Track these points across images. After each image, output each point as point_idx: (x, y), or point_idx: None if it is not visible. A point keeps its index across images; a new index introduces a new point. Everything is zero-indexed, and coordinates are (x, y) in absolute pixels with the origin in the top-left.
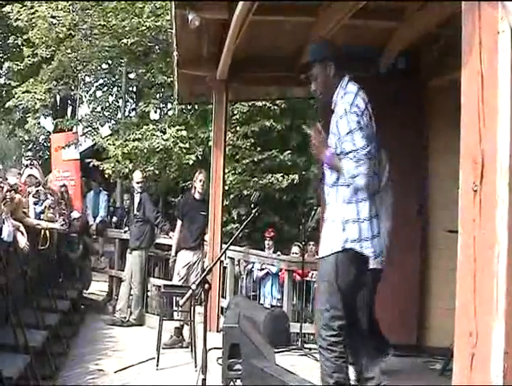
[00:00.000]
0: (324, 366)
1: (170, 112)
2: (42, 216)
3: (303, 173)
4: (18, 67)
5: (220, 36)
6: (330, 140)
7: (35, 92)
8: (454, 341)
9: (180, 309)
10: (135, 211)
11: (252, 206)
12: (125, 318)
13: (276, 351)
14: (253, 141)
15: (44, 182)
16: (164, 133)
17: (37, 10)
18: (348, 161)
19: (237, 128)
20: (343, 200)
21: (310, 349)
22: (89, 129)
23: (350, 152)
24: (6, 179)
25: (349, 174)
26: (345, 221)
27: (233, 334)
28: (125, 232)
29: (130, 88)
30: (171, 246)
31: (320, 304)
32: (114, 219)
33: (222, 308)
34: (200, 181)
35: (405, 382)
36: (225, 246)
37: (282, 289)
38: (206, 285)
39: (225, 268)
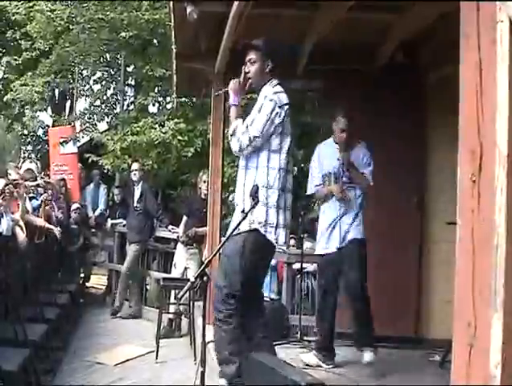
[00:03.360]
0: (219, 337)
1: (168, 106)
2: (40, 210)
3: (302, 165)
4: (17, 61)
5: (219, 29)
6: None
7: (33, 86)
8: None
9: (179, 302)
10: (135, 203)
11: (251, 198)
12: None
13: (275, 343)
14: None
15: (43, 176)
16: (163, 126)
17: (35, 4)
18: (242, 127)
19: None
20: (253, 183)
21: (309, 341)
22: (87, 124)
23: (247, 125)
24: (8, 174)
25: (234, 134)
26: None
27: None
28: (123, 225)
29: (129, 82)
30: (170, 239)
31: (219, 279)
32: (112, 211)
33: None
34: (205, 182)
35: (404, 374)
36: (223, 239)
37: (280, 282)
38: (205, 278)
39: None
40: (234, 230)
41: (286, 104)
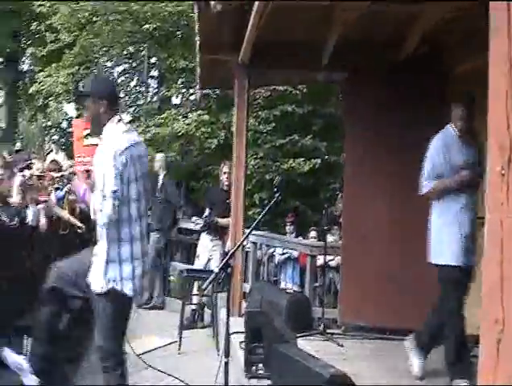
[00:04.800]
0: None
1: (192, 97)
2: (64, 201)
3: (325, 157)
4: (41, 53)
5: (242, 20)
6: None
7: (58, 77)
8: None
9: (203, 293)
10: (157, 193)
11: (275, 190)
12: (147, 301)
13: (298, 335)
14: (274, 125)
15: (68, 167)
16: (186, 117)
17: None
18: (97, 197)
19: (259, 112)
20: (108, 240)
21: (332, 334)
22: None
23: (101, 189)
24: (31, 164)
25: (97, 209)
26: (107, 261)
27: (256, 318)
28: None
29: (152, 74)
30: (193, 231)
31: (97, 339)
32: None
33: (244, 293)
34: (225, 173)
35: (430, 368)
36: (247, 231)
37: (303, 274)
38: (229, 269)
39: (247, 252)
40: (261, 219)
41: (126, 149)
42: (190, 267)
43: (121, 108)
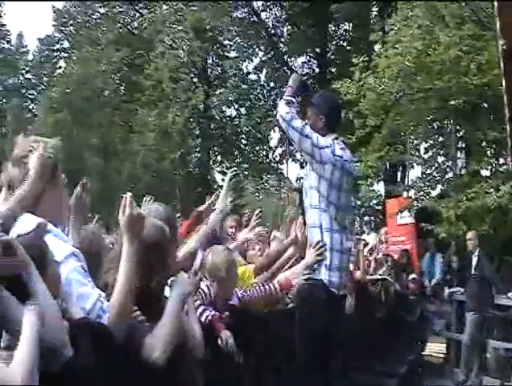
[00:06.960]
0: None
1: (502, 169)
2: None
3: None
4: (350, 140)
5: None
6: None
7: (367, 161)
8: None
9: None
10: (473, 271)
11: None
12: (464, 381)
13: None
14: None
15: (380, 249)
16: (498, 190)
17: (365, 83)
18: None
19: None
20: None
21: None
22: (421, 192)
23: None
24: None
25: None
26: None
27: None
28: (461, 293)
29: (460, 147)
30: (510, 306)
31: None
32: (449, 280)
33: None
34: None
35: None
36: None
37: None
38: None
39: None
40: None
41: (339, 156)
42: (508, 345)
43: (338, 130)
